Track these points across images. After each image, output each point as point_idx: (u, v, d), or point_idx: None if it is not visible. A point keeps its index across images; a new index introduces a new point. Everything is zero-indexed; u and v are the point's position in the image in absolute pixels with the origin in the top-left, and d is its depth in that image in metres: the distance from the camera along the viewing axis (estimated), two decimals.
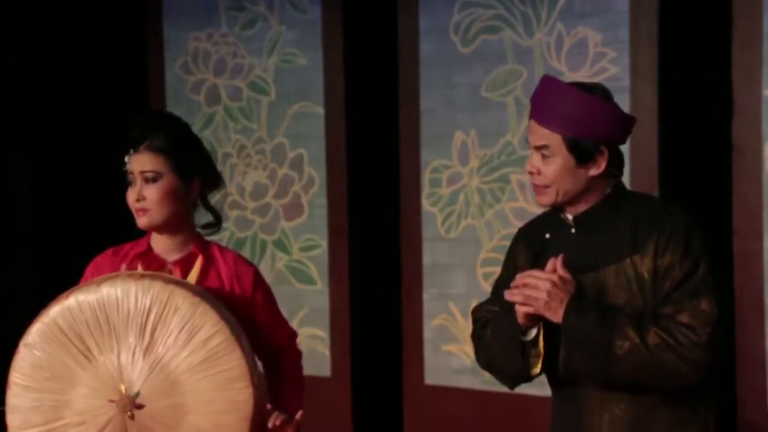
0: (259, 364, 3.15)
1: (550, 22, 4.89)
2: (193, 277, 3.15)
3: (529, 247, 3.00)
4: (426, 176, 5.24)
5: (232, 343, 3.01)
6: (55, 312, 3.08)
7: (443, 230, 5.21)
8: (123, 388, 3.04)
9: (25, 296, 5.58)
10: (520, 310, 2.84)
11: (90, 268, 3.26)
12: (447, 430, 5.26)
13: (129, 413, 3.02)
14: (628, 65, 4.67)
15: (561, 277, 2.80)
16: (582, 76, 4.80)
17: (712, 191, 4.62)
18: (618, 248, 2.83)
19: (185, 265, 3.16)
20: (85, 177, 5.92)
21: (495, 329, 2.99)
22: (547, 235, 2.96)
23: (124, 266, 3.19)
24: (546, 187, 2.88)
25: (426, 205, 5.25)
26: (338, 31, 5.41)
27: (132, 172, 3.11)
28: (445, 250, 5.21)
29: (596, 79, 4.77)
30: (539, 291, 2.79)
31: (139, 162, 3.09)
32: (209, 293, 3.09)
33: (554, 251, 2.91)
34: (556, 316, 2.79)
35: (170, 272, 3.16)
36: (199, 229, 3.23)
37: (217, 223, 3.24)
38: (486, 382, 5.13)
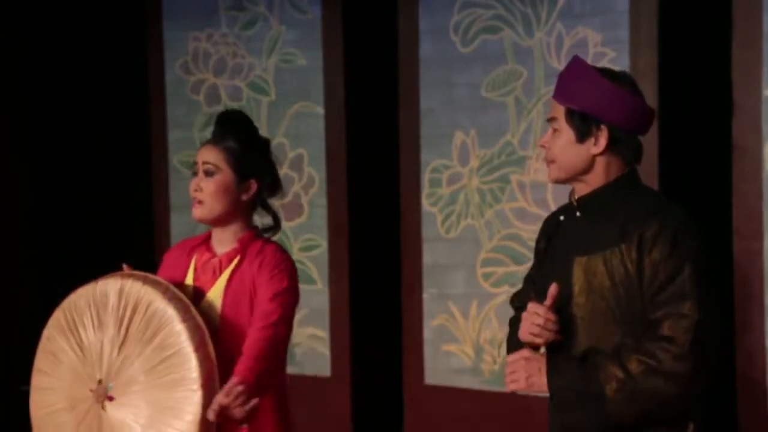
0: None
1: (550, 22, 4.89)
2: (226, 273, 3.22)
3: (548, 230, 3.06)
4: (426, 176, 5.24)
5: (188, 346, 3.07)
6: (65, 304, 3.26)
7: (443, 230, 5.21)
8: (99, 379, 3.14)
9: (25, 296, 5.58)
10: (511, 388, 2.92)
11: (164, 258, 3.42)
12: (447, 430, 5.26)
13: (101, 404, 3.12)
14: (628, 65, 4.67)
15: (525, 356, 2.85)
16: None
17: (712, 191, 4.62)
18: (610, 236, 2.84)
19: (228, 259, 3.25)
20: (85, 177, 5.93)
21: (512, 336, 3.07)
22: (561, 218, 3.01)
23: (125, 266, 3.29)
24: (552, 162, 2.93)
25: (426, 205, 5.25)
26: (338, 31, 5.41)
27: (197, 163, 3.24)
28: (445, 250, 5.21)
29: None
30: (518, 372, 2.85)
31: (203, 154, 3.24)
32: (182, 295, 3.15)
33: (563, 234, 2.97)
34: (542, 386, 2.83)
35: (218, 264, 3.22)
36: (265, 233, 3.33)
37: (276, 226, 3.34)
38: (486, 382, 5.14)
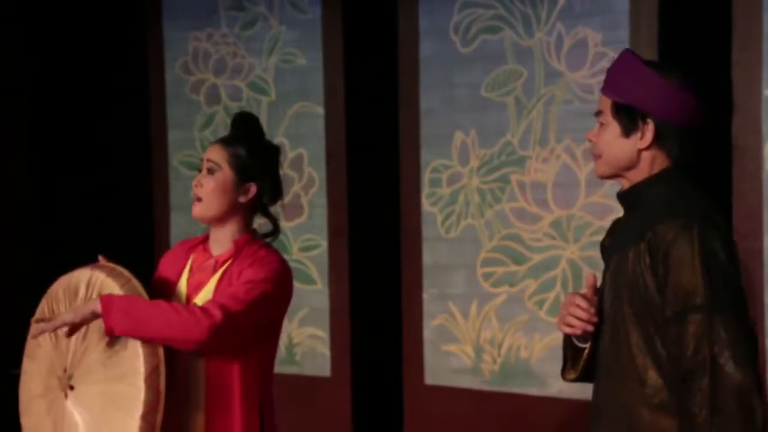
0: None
1: (550, 22, 4.89)
2: (218, 274, 3.23)
3: (611, 228, 3.01)
4: (426, 176, 5.24)
5: (135, 341, 3.07)
6: (49, 292, 3.32)
7: (443, 230, 5.21)
8: (65, 368, 3.19)
9: (25, 296, 5.57)
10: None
11: (163, 256, 3.45)
12: (447, 430, 5.26)
13: (64, 393, 3.17)
14: None
15: None
16: (582, 75, 4.80)
17: (712, 191, 4.61)
18: (635, 234, 2.78)
19: (222, 261, 3.26)
20: (85, 177, 5.93)
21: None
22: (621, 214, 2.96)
23: (101, 257, 3.33)
24: (598, 156, 2.88)
25: (426, 205, 5.25)
26: (338, 31, 5.41)
27: (202, 159, 3.28)
28: (445, 250, 5.21)
29: (596, 79, 4.77)
30: None
31: (209, 152, 3.29)
32: (140, 288, 3.16)
33: (615, 231, 2.93)
34: None
35: (213, 264, 3.22)
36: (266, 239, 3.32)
37: (274, 232, 3.33)
38: (486, 382, 5.13)
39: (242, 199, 3.26)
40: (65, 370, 3.18)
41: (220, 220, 3.25)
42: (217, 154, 3.25)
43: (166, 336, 3.03)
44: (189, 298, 3.25)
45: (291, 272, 3.29)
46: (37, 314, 3.32)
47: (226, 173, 3.23)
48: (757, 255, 4.45)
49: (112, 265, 3.26)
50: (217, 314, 3.03)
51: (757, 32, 4.43)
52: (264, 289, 3.14)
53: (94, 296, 3.16)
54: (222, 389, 3.17)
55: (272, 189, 3.31)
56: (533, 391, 5.00)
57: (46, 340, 3.26)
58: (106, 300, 3.05)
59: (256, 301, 3.12)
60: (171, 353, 3.09)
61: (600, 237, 4.79)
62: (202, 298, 3.22)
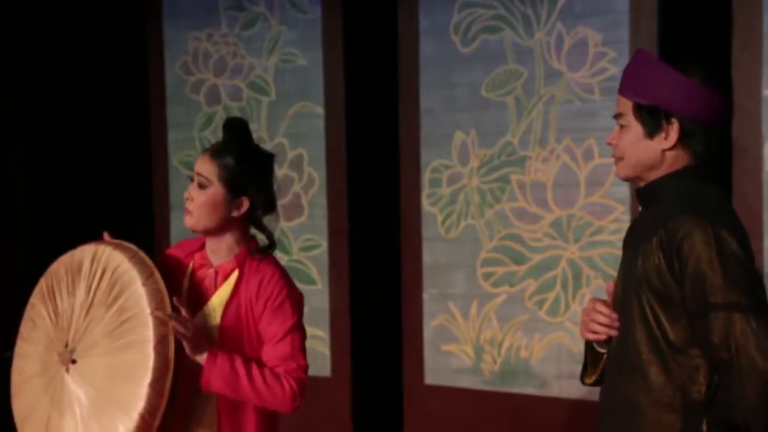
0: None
1: (550, 22, 4.89)
2: (227, 290, 3.18)
3: (631, 224, 2.98)
4: (426, 176, 5.24)
5: (145, 308, 3.05)
6: (48, 271, 3.31)
7: (443, 230, 5.21)
8: (66, 343, 3.16)
9: (25, 296, 5.57)
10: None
11: (164, 254, 3.38)
12: (447, 430, 5.26)
13: (66, 367, 3.14)
14: None
15: None
16: (582, 76, 4.80)
17: None
18: (648, 231, 2.74)
19: (224, 273, 3.20)
20: (85, 177, 5.93)
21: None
22: (640, 209, 2.93)
23: (106, 234, 3.30)
24: (620, 159, 2.83)
25: (426, 205, 5.25)
26: (338, 31, 5.41)
27: (194, 170, 3.19)
28: (445, 250, 5.21)
29: (596, 79, 4.77)
30: None
31: (199, 164, 3.18)
32: (147, 260, 3.13)
33: (633, 228, 2.88)
34: None
35: (214, 274, 3.20)
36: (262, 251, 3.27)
37: (270, 246, 3.25)
38: (486, 382, 5.13)
39: (235, 214, 3.16)
40: (67, 345, 3.15)
41: (215, 232, 3.18)
42: (206, 168, 3.15)
43: (258, 403, 3.11)
44: (190, 304, 3.19)
45: (296, 285, 3.25)
46: (35, 294, 3.30)
47: (216, 188, 3.13)
48: (757, 255, 4.45)
49: (118, 240, 3.22)
50: (295, 387, 3.09)
51: (757, 32, 4.43)
52: (299, 332, 3.17)
53: (100, 270, 3.14)
54: (233, 405, 3.14)
55: (265, 201, 3.21)
56: (533, 391, 5.00)
57: (44, 320, 3.23)
58: (211, 357, 3.05)
59: (301, 345, 3.17)
60: (176, 367, 3.07)
61: (600, 237, 4.82)
62: (210, 308, 3.16)
